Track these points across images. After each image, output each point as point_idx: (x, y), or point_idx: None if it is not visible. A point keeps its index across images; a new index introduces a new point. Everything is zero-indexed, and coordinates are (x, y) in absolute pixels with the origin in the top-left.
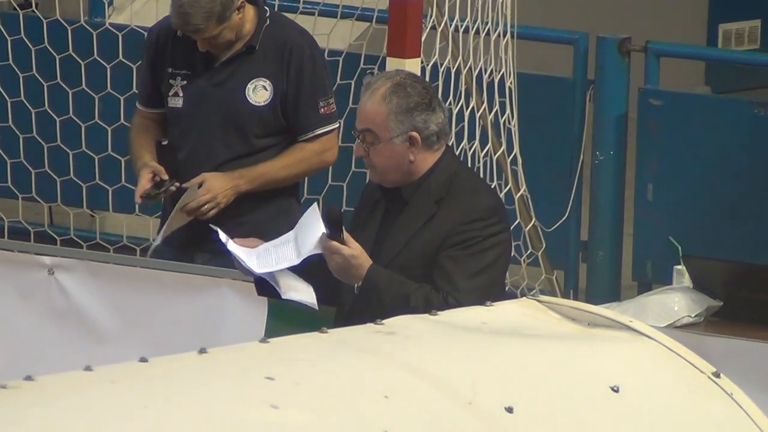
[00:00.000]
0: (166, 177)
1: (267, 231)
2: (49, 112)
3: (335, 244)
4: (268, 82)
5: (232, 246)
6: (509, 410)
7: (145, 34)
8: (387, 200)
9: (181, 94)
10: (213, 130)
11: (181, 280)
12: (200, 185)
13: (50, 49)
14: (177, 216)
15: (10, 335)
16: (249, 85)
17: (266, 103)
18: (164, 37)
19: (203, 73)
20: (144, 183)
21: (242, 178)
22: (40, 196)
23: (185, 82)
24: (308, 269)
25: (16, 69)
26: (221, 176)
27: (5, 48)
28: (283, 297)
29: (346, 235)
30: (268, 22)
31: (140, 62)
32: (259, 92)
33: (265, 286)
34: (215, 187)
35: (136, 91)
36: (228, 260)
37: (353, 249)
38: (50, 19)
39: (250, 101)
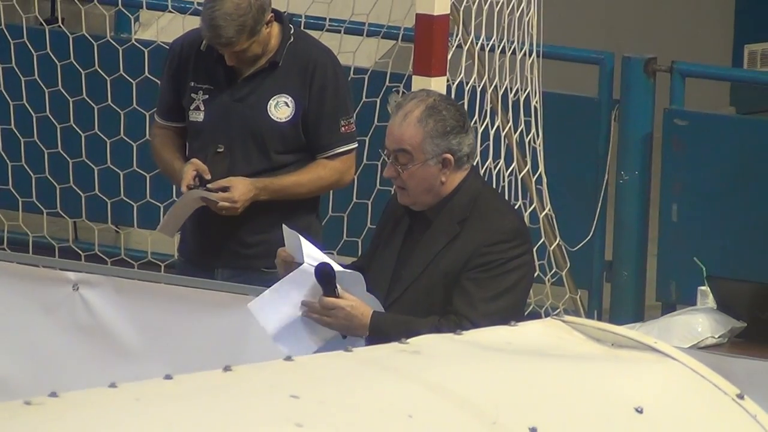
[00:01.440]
0: (209, 177)
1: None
2: (75, 127)
3: (333, 300)
4: (290, 98)
5: (304, 244)
6: (533, 430)
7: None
8: (410, 218)
9: (202, 108)
10: (233, 145)
11: (206, 296)
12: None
13: (76, 64)
14: (189, 208)
15: (34, 351)
16: (271, 101)
17: (288, 119)
18: (188, 50)
19: (225, 88)
20: (188, 178)
21: (265, 188)
22: (65, 211)
23: (207, 96)
24: None
25: (42, 84)
26: (246, 182)
27: (31, 63)
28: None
29: (340, 289)
30: (292, 39)
31: (162, 75)
32: (281, 108)
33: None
34: (238, 192)
35: None
36: (249, 276)
37: (350, 300)
38: (76, 35)
39: (272, 117)
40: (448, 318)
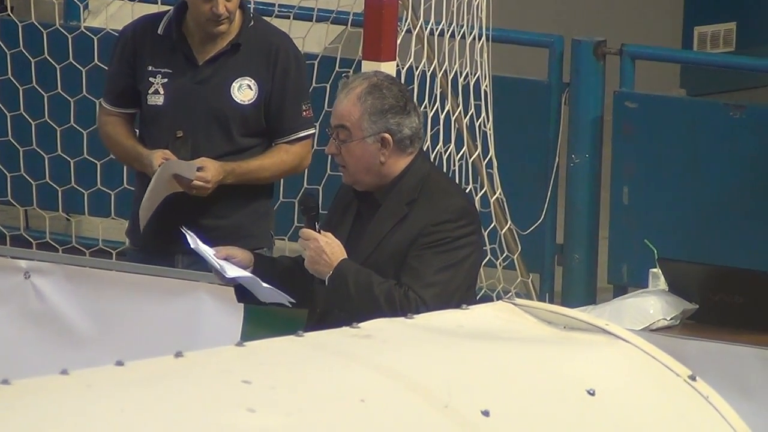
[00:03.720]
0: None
1: (246, 233)
2: (25, 115)
3: (309, 231)
4: (253, 81)
5: (202, 248)
6: (485, 413)
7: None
8: (359, 203)
9: (162, 92)
10: (196, 128)
11: (157, 283)
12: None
13: (25, 52)
14: (163, 186)
15: None
16: (234, 84)
17: (251, 102)
18: (141, 35)
19: (186, 71)
20: (158, 159)
21: (232, 171)
22: (16, 199)
23: (166, 80)
24: (281, 272)
25: None
26: (217, 165)
27: None
28: (263, 301)
29: (324, 231)
30: (252, 22)
31: (111, 59)
32: (245, 91)
33: (243, 292)
34: (211, 173)
35: None
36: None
37: (328, 238)
38: (25, 23)
39: (236, 99)
40: (401, 286)
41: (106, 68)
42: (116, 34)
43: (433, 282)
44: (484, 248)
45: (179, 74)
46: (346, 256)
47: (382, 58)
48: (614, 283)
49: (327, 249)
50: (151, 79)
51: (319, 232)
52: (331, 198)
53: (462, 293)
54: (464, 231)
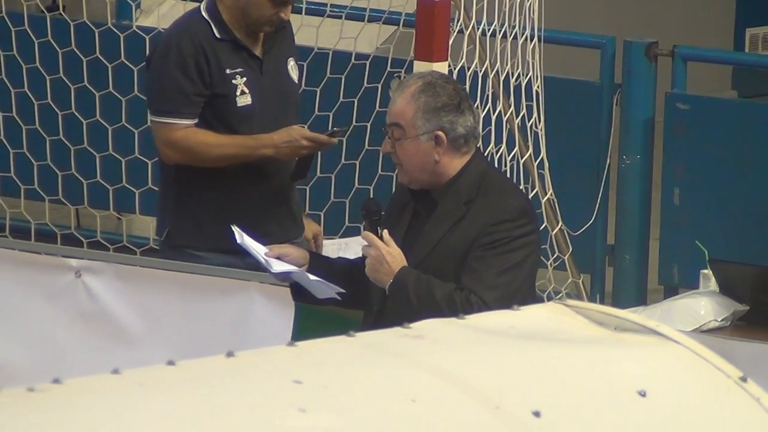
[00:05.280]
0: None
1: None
2: (76, 114)
3: (372, 236)
4: (293, 60)
5: (248, 243)
6: (536, 414)
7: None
8: (416, 203)
9: (247, 91)
10: (281, 119)
11: (208, 282)
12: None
13: (77, 51)
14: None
15: (37, 338)
16: (288, 66)
17: (298, 81)
18: (205, 42)
19: (254, 66)
20: (301, 140)
21: None
22: (67, 198)
23: (245, 79)
24: (337, 273)
25: (43, 71)
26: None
27: (32, 51)
28: (316, 296)
29: (386, 235)
30: None
31: (171, 73)
32: (294, 71)
33: (299, 292)
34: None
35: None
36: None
37: (390, 246)
38: (77, 22)
39: (294, 80)
40: (462, 290)
41: (159, 86)
42: None
43: (496, 284)
44: None
45: (251, 71)
46: (406, 263)
47: (434, 58)
48: (665, 284)
49: (388, 258)
50: (233, 81)
51: (381, 236)
52: (380, 197)
53: (524, 294)
54: (523, 230)
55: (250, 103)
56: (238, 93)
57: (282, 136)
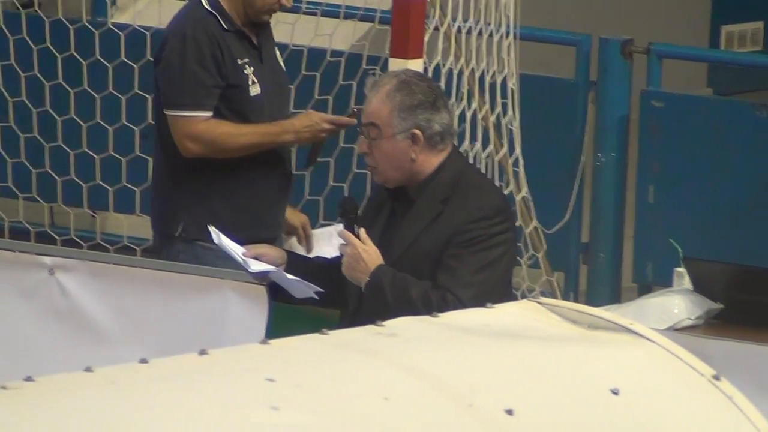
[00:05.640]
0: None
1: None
2: (51, 111)
3: (349, 234)
4: (276, 48)
5: (225, 243)
6: (509, 412)
7: (148, 34)
8: (393, 201)
9: (256, 81)
10: (283, 107)
11: (182, 280)
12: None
13: (52, 48)
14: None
15: (10, 336)
16: (277, 55)
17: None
18: (217, 34)
19: (255, 56)
20: (322, 124)
21: None
22: (41, 196)
23: (252, 68)
24: (315, 272)
25: (18, 68)
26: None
27: (7, 47)
28: (294, 295)
29: (363, 233)
30: None
31: (190, 66)
32: (281, 60)
33: (277, 291)
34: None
35: (138, 91)
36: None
37: (367, 245)
38: (52, 19)
39: (284, 68)
40: (438, 288)
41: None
42: (143, 31)
43: (472, 282)
44: None
45: (255, 61)
46: (382, 262)
47: (409, 55)
48: (639, 282)
49: (364, 256)
50: (245, 72)
51: (357, 234)
52: (355, 195)
53: (500, 292)
54: (500, 228)
55: (260, 92)
56: (250, 83)
57: (302, 121)
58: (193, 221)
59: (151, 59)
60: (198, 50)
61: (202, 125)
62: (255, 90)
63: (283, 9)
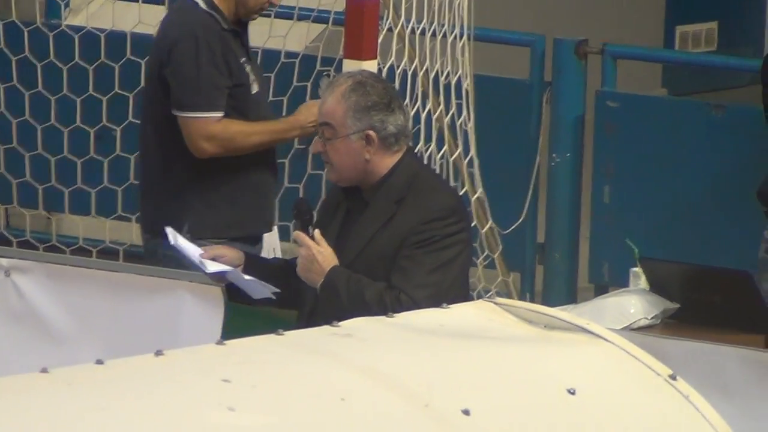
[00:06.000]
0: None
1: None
2: (5, 113)
3: (303, 236)
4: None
5: (182, 244)
6: (466, 412)
7: (102, 36)
8: (348, 202)
9: (255, 79)
10: (269, 104)
11: (137, 281)
12: None
13: (6, 51)
14: None
15: None
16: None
17: None
18: (217, 32)
19: (245, 55)
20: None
21: None
22: None
23: (249, 66)
24: (272, 273)
25: None
26: None
27: None
28: (252, 296)
29: (317, 234)
30: None
31: (205, 68)
32: None
33: (235, 291)
34: None
35: (93, 93)
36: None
37: (321, 246)
38: (6, 21)
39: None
40: (393, 289)
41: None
42: (97, 33)
43: (426, 283)
44: None
45: (247, 59)
46: (337, 263)
47: (363, 56)
48: (595, 282)
49: (319, 257)
50: (246, 70)
51: (312, 236)
52: (310, 196)
53: (455, 292)
54: (454, 228)
55: (258, 90)
56: (251, 81)
57: (306, 116)
58: (200, 221)
59: (106, 61)
60: (210, 51)
61: (217, 125)
62: (255, 88)
63: (271, 7)
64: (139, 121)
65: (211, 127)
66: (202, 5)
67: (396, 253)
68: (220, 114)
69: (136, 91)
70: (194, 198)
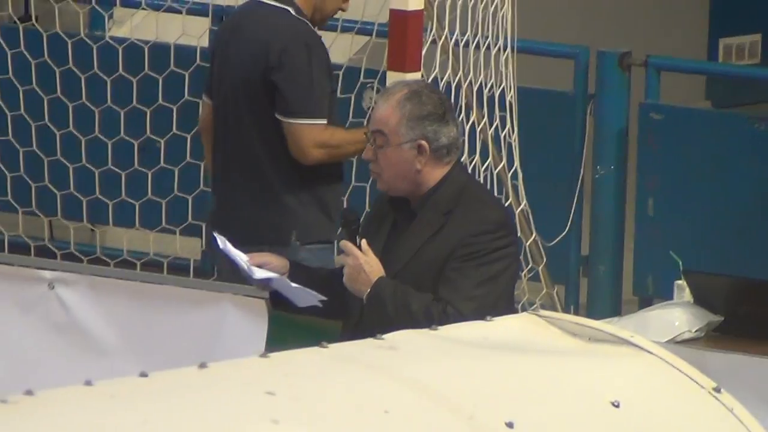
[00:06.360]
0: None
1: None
2: (49, 125)
3: (351, 246)
4: None
5: (231, 251)
6: (510, 425)
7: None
8: (396, 213)
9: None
10: None
11: (181, 294)
12: None
13: (50, 62)
14: None
15: (10, 350)
16: None
17: None
18: (320, 38)
19: None
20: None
21: None
22: (41, 210)
23: None
24: (317, 282)
25: (16, 82)
26: None
27: (5, 61)
28: (297, 304)
29: (364, 244)
30: None
31: (317, 75)
32: None
33: (279, 300)
34: None
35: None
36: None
37: (369, 257)
38: (50, 33)
39: None
40: (439, 301)
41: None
42: (141, 45)
43: (473, 296)
44: None
45: None
46: (383, 273)
47: (406, 68)
48: (639, 294)
49: (366, 267)
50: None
51: (359, 246)
52: (356, 206)
53: (502, 306)
54: (502, 242)
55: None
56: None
57: None
58: (305, 226)
59: (150, 73)
60: (322, 60)
61: (325, 132)
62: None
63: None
64: (182, 133)
65: (322, 133)
66: (293, 12)
67: (443, 265)
68: (326, 121)
69: (180, 103)
70: (296, 205)
